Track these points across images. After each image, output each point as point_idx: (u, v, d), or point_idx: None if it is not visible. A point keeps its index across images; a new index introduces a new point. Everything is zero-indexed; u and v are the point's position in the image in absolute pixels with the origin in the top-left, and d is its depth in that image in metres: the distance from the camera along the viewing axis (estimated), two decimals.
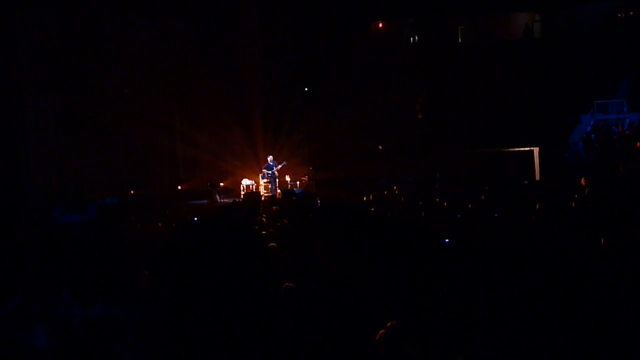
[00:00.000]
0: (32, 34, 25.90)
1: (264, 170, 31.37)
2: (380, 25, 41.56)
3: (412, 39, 41.41)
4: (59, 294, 2.50)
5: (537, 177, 32.61)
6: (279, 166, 31.22)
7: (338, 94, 36.02)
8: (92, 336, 2.39)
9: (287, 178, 34.26)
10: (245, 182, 32.69)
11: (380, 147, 35.99)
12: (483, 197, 22.40)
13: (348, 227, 15.06)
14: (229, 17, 35.90)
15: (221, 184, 34.35)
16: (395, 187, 28.97)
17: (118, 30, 31.88)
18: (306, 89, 38.67)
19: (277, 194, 29.93)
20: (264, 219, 17.75)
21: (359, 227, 14.16)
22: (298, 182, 35.05)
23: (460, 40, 40.60)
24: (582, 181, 23.92)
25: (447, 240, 12.83)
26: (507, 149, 34.58)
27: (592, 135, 33.91)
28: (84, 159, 29.93)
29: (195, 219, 20.79)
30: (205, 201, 31.66)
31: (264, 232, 13.33)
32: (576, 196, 18.52)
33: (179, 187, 35.59)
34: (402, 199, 24.13)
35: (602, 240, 10.42)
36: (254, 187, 32.38)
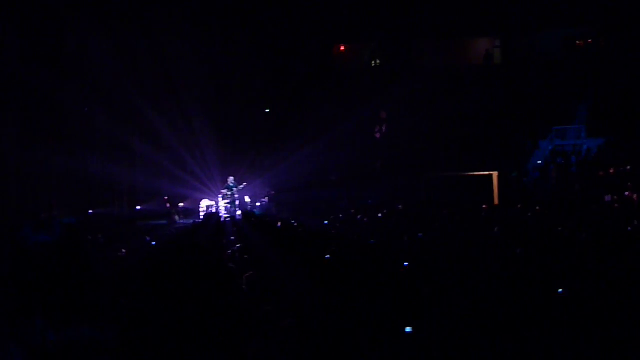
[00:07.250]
0: None
1: (223, 190, 31.14)
2: (342, 48, 41.75)
3: (373, 62, 41.68)
4: (32, 318, 2.43)
5: (496, 202, 32.83)
6: (240, 187, 31.06)
7: (299, 115, 36.10)
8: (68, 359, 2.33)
9: (247, 199, 34.10)
10: (205, 202, 32.51)
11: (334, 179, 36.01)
12: (440, 220, 22.56)
13: (310, 249, 14.94)
14: (189, 37, 35.77)
15: (180, 204, 34.11)
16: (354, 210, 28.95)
17: (79, 48, 31.62)
18: (267, 110, 38.65)
19: (237, 215, 29.76)
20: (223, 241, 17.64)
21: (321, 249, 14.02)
22: (258, 204, 34.94)
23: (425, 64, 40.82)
24: (537, 208, 24.23)
25: (405, 263, 12.79)
26: (466, 173, 34.76)
27: (550, 162, 34.29)
28: (41, 178, 29.49)
29: (153, 242, 20.49)
30: (164, 221, 31.39)
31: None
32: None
33: (138, 207, 35.20)
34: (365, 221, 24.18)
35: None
36: (214, 208, 32.22)
